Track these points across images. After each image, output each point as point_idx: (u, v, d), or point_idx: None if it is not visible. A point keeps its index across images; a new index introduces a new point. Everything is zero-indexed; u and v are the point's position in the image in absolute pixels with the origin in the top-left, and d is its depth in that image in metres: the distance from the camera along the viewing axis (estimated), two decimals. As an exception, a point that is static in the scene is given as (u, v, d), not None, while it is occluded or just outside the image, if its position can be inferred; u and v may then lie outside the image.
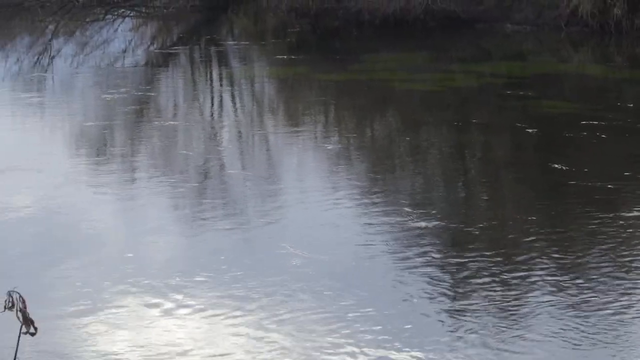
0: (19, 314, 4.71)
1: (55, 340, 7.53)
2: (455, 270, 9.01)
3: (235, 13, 38.00)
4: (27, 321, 4.74)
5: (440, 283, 8.67)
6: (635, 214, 10.71)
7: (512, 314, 7.95)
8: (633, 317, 7.85)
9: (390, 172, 13.34)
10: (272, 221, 10.69)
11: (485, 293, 8.42)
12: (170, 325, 7.86)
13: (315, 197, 11.63)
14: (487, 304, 8.18)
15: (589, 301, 8.18)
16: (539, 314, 7.91)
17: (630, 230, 10.14)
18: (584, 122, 15.68)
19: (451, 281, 8.73)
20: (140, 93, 20.22)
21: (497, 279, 8.74)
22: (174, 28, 35.82)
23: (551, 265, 9.09)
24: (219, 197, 11.86)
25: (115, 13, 38.89)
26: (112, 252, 9.75)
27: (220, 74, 24.13)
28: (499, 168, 13.56)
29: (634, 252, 9.43)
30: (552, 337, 7.49)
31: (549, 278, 8.74)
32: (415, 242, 9.84)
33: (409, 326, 7.71)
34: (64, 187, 12.31)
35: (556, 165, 12.96)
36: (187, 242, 10.13)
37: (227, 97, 20.50)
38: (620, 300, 8.19)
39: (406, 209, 11.06)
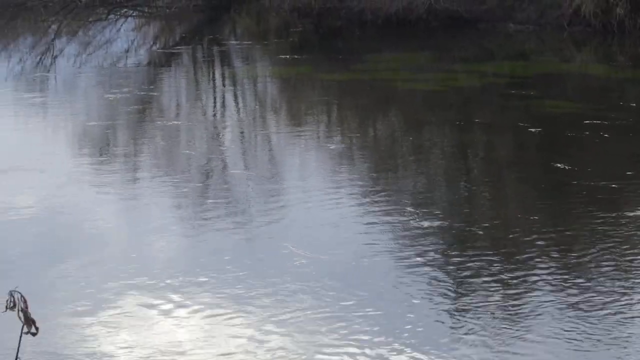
0: (21, 314, 4.71)
1: (57, 340, 7.53)
2: (457, 270, 9.01)
3: (237, 13, 38.02)
4: (29, 321, 4.74)
5: (442, 283, 8.66)
6: (638, 213, 10.70)
7: (513, 314, 7.95)
8: (635, 317, 7.84)
9: (392, 172, 13.34)
10: (274, 221, 10.69)
11: (486, 293, 8.41)
12: (171, 326, 7.87)
13: (318, 196, 11.63)
14: (488, 303, 8.17)
15: (591, 301, 8.18)
16: (540, 314, 7.91)
17: (633, 229, 10.13)
18: (586, 122, 15.67)
19: (453, 281, 8.73)
20: (142, 93, 20.24)
21: (498, 279, 8.74)
22: (176, 28, 35.84)
23: (553, 265, 9.09)
24: (221, 197, 11.86)
25: (118, 13, 38.92)
26: (114, 252, 9.75)
27: (222, 74, 24.14)
28: (502, 168, 13.56)
29: (637, 252, 9.42)
30: (554, 337, 7.49)
31: (551, 278, 8.73)
32: (417, 242, 9.83)
33: (411, 326, 7.71)
34: (67, 187, 12.32)
35: (559, 165, 12.95)
36: (189, 242, 10.13)
37: (229, 97, 20.50)
38: (623, 300, 8.18)
39: (408, 208, 11.06)
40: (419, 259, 9.29)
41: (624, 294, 8.34)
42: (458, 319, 7.85)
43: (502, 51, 26.28)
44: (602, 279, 8.71)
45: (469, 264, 9.13)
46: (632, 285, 8.56)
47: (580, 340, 7.42)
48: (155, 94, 20.42)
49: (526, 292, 8.41)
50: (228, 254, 9.56)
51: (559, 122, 16.02)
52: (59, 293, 8.54)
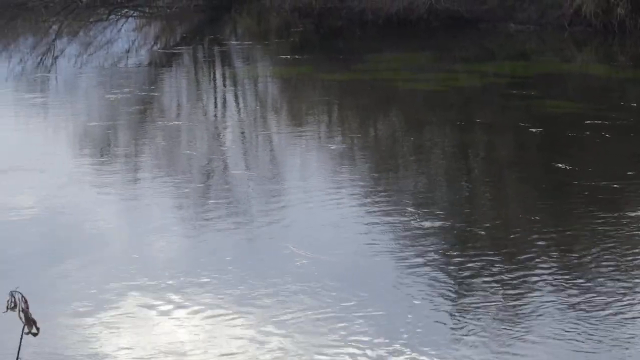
0: (21, 314, 4.70)
1: (58, 341, 7.53)
2: (457, 270, 9.00)
3: (238, 13, 38.02)
4: (30, 321, 4.74)
5: (443, 283, 8.66)
6: (639, 213, 10.69)
7: (514, 315, 7.95)
8: (636, 318, 7.84)
9: (393, 172, 13.33)
10: (275, 221, 10.69)
11: (487, 293, 8.41)
12: (172, 326, 7.86)
13: (319, 197, 11.63)
14: (489, 304, 8.17)
15: (592, 301, 8.17)
16: (541, 315, 7.91)
17: (634, 229, 10.13)
18: (587, 122, 15.67)
19: (454, 281, 8.73)
20: (143, 93, 20.24)
21: (499, 279, 8.73)
22: (177, 28, 35.84)
23: (554, 265, 9.08)
24: (222, 197, 11.86)
25: (119, 13, 38.93)
26: (115, 252, 9.75)
27: (223, 74, 24.14)
28: (503, 168, 13.55)
29: (638, 252, 9.41)
30: (555, 338, 7.48)
31: (552, 278, 8.73)
32: (418, 242, 9.83)
33: (411, 327, 7.71)
34: (67, 187, 12.32)
35: (560, 165, 12.95)
36: (190, 242, 10.12)
37: (230, 97, 20.50)
38: (624, 301, 8.18)
39: (409, 208, 11.05)
40: (419, 259, 9.29)
41: (625, 294, 8.33)
42: (459, 320, 7.85)
43: (502, 51, 26.28)
44: (603, 279, 8.71)
45: (469, 264, 9.13)
46: (633, 286, 8.55)
47: (582, 341, 7.42)
48: (156, 94, 20.42)
49: (527, 293, 8.41)
50: (229, 254, 9.56)
51: (560, 122, 16.02)
52: (59, 293, 8.54)
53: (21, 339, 4.75)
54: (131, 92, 20.24)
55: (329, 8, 32.82)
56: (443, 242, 9.90)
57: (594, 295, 8.31)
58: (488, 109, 18.08)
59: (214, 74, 24.31)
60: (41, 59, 27.08)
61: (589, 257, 9.29)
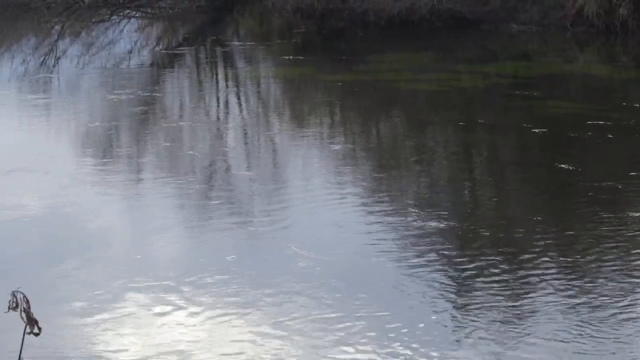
0: (23, 314, 4.71)
1: (59, 340, 7.53)
2: (460, 270, 9.00)
3: (240, 14, 38.03)
4: (31, 321, 4.74)
5: (446, 283, 8.66)
6: (641, 214, 10.70)
7: (517, 315, 7.94)
8: (639, 318, 7.83)
9: (395, 173, 13.33)
10: (277, 221, 10.68)
11: (490, 293, 8.40)
12: (174, 326, 7.86)
13: (321, 197, 11.62)
14: (492, 304, 8.16)
15: (595, 301, 8.16)
16: (544, 315, 7.90)
17: (637, 230, 10.12)
18: (589, 122, 15.66)
19: (456, 282, 8.72)
20: (146, 94, 20.24)
21: (502, 279, 8.73)
22: (179, 29, 35.85)
23: (557, 266, 9.08)
24: (224, 198, 11.86)
25: (121, 14, 38.95)
26: (117, 252, 9.76)
27: (225, 75, 24.14)
28: (505, 168, 13.55)
29: (640, 253, 9.42)
30: (558, 338, 7.48)
31: (555, 278, 8.72)
32: (420, 243, 9.83)
33: (414, 327, 7.70)
34: (70, 187, 12.32)
35: (562, 166, 12.94)
36: (192, 243, 10.13)
37: (232, 98, 20.50)
38: (627, 301, 8.17)
39: (412, 209, 11.05)
40: (422, 259, 9.29)
41: (628, 294, 8.33)
42: (461, 320, 7.84)
43: (505, 52, 26.28)
44: (605, 279, 8.70)
45: (472, 265, 9.12)
46: (635, 286, 8.54)
47: (584, 342, 7.41)
48: (158, 95, 20.42)
49: (529, 293, 8.40)
50: (231, 254, 9.55)
51: (562, 123, 16.01)
52: (61, 293, 8.54)
53: (23, 339, 4.75)
54: (133, 92, 20.25)
55: (331, 9, 32.82)
56: (445, 242, 9.90)
57: (596, 295, 8.30)
58: (490, 109, 18.08)
59: (216, 74, 24.32)
60: (43, 59, 27.10)
61: (591, 258, 9.28)
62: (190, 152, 14.51)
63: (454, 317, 7.90)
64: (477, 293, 8.43)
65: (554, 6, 28.61)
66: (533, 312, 7.97)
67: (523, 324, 7.74)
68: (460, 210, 11.19)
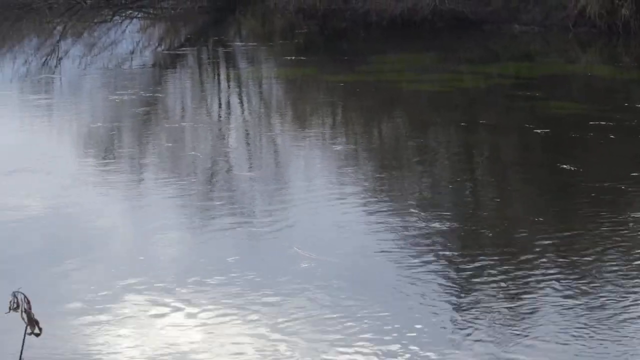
0: (24, 315, 4.70)
1: (59, 341, 7.53)
2: (462, 271, 8.99)
3: (242, 14, 38.03)
4: (32, 322, 4.74)
5: (448, 284, 8.65)
6: (643, 214, 10.69)
7: (518, 315, 7.93)
8: (641, 318, 7.84)
9: (397, 173, 13.32)
10: (279, 222, 10.68)
11: (492, 294, 8.40)
12: (176, 327, 7.86)
13: (323, 198, 11.62)
14: (494, 304, 8.16)
15: (596, 302, 8.16)
16: (545, 315, 7.89)
17: (638, 230, 10.11)
18: (592, 123, 15.65)
19: (458, 282, 8.72)
20: (148, 94, 20.24)
21: (504, 280, 8.72)
22: (181, 29, 35.85)
23: (559, 266, 9.07)
24: (226, 199, 11.85)
25: (123, 14, 38.95)
26: (118, 253, 9.76)
27: (227, 75, 24.14)
28: (507, 169, 13.54)
29: (642, 253, 9.41)
30: (561, 338, 7.47)
31: (557, 279, 8.72)
32: (422, 243, 9.82)
33: (416, 327, 7.70)
34: (72, 188, 12.32)
35: (564, 166, 12.93)
36: (194, 243, 10.12)
37: (234, 99, 20.50)
38: (628, 301, 8.16)
39: (413, 209, 11.05)
40: (423, 260, 9.28)
41: (629, 294, 8.32)
42: (462, 321, 7.83)
43: (507, 52, 26.27)
44: (607, 279, 8.70)
45: (474, 265, 9.12)
46: (636, 286, 8.53)
47: (585, 343, 7.40)
48: (160, 95, 20.42)
49: (530, 294, 8.40)
50: (233, 255, 9.55)
51: (565, 123, 16.00)
52: (62, 293, 8.54)
53: (24, 339, 4.75)
54: (135, 93, 20.24)
55: (333, 9, 32.82)
56: (447, 243, 9.89)
57: (599, 295, 8.30)
58: (492, 110, 18.07)
59: (218, 75, 24.31)
60: (45, 60, 27.10)
61: (593, 258, 9.28)
62: (192, 152, 14.51)
63: (454, 318, 7.90)
64: (477, 294, 8.42)
65: (556, 7, 28.60)
66: (534, 313, 7.96)
67: (524, 325, 7.73)
68: (461, 210, 11.19)
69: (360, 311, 8.01)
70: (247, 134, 16.39)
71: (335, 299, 8.28)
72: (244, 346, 7.43)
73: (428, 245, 9.76)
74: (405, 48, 27.33)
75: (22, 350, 4.88)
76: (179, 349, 7.42)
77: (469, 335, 7.55)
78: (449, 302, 8.23)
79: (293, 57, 26.15)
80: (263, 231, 10.38)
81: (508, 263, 9.17)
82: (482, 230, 10.28)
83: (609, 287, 8.50)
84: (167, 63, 26.37)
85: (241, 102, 19.88)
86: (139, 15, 39.34)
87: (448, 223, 10.46)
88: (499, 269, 9.01)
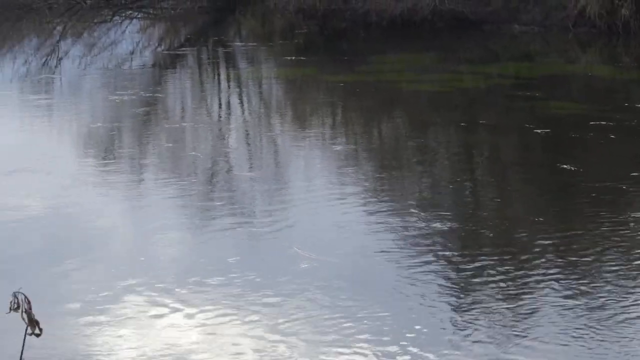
0: (24, 315, 4.70)
1: (59, 341, 7.53)
2: (462, 271, 8.99)
3: (242, 14, 38.02)
4: (33, 322, 4.73)
5: (448, 284, 8.65)
6: (643, 214, 10.69)
7: (519, 315, 7.93)
8: (641, 319, 7.84)
9: (398, 173, 13.32)
10: (279, 222, 10.68)
11: (492, 294, 8.40)
12: (175, 326, 7.86)
13: (323, 198, 11.62)
14: (494, 304, 8.16)
15: (597, 302, 8.16)
16: (546, 315, 7.89)
17: (639, 230, 10.11)
18: (592, 123, 15.65)
19: (458, 283, 8.72)
20: (148, 94, 20.24)
21: (504, 280, 8.72)
22: (181, 29, 35.85)
23: (559, 266, 9.07)
24: (226, 199, 11.85)
25: (123, 14, 38.95)
26: (119, 254, 9.76)
27: (227, 75, 24.14)
28: (507, 169, 13.54)
29: (642, 253, 9.41)
30: (561, 338, 7.47)
31: (557, 279, 8.72)
32: (422, 243, 9.82)
33: (416, 327, 7.70)
34: (72, 188, 12.32)
35: (564, 166, 12.94)
36: (194, 243, 10.12)
37: (234, 99, 20.50)
38: (629, 301, 8.16)
39: (413, 210, 11.05)
40: (424, 260, 9.28)
41: (630, 294, 8.32)
42: (462, 321, 7.83)
43: (507, 52, 26.27)
44: (608, 279, 8.70)
45: (474, 265, 9.12)
46: (637, 286, 8.53)
47: (585, 344, 7.40)
48: (160, 95, 20.42)
49: (531, 294, 8.40)
50: (233, 255, 9.55)
51: (565, 124, 16.00)
52: (62, 293, 8.54)
53: (24, 340, 4.74)
54: (135, 93, 20.24)
55: (333, 10, 32.82)
56: (447, 243, 9.89)
57: (599, 295, 8.30)
58: (492, 110, 18.07)
59: (218, 75, 24.32)
60: (45, 60, 27.10)
61: (593, 258, 9.28)
62: (192, 152, 14.51)
63: (454, 318, 7.90)
64: (477, 294, 8.42)
65: (556, 7, 28.60)
66: (534, 313, 7.96)
67: (524, 326, 7.73)
68: (461, 210, 11.19)
69: (360, 311, 8.01)
70: (247, 134, 16.39)
71: (335, 300, 8.28)
72: (244, 346, 7.44)
73: (428, 245, 9.76)
74: (405, 48, 27.33)
75: (22, 350, 4.88)
76: (179, 349, 7.42)
77: (468, 335, 7.55)
78: (448, 302, 8.24)
79: (293, 57, 26.15)
80: (263, 231, 10.38)
81: (508, 263, 9.17)
82: (482, 231, 10.28)
83: (609, 288, 8.50)
84: (167, 63, 26.37)
85: (241, 103, 19.88)
86: (139, 16, 39.34)
87: (448, 223, 10.46)
88: (499, 269, 9.01)
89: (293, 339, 7.53)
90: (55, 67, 25.62)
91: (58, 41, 31.85)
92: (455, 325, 7.75)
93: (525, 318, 7.88)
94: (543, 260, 9.23)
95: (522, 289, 8.52)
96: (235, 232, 10.39)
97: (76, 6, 39.01)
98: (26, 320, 4.69)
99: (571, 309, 8.02)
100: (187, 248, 9.98)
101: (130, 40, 32.22)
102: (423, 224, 10.42)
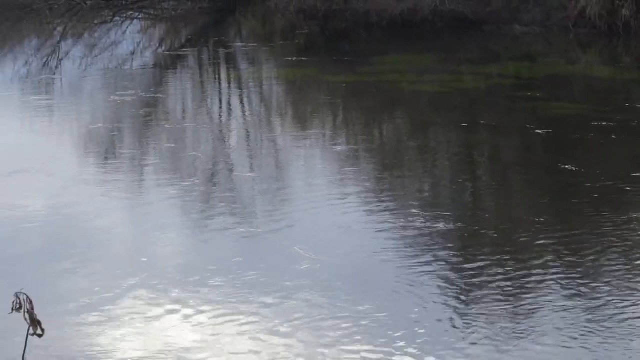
0: (27, 316, 4.70)
1: (59, 340, 7.53)
2: (463, 271, 8.99)
3: (243, 15, 38.03)
4: (35, 323, 4.74)
5: (448, 284, 8.65)
6: (644, 215, 10.69)
7: (520, 315, 7.93)
8: (642, 319, 7.84)
9: (399, 174, 13.32)
10: (280, 222, 10.68)
11: (493, 294, 8.40)
12: (176, 326, 7.86)
13: (324, 198, 11.62)
14: (495, 305, 8.15)
15: (598, 302, 8.16)
16: (547, 315, 7.89)
17: None
18: (593, 123, 15.65)
19: (459, 283, 8.71)
20: (148, 95, 20.24)
21: (505, 280, 8.72)
22: (182, 30, 35.84)
23: (560, 266, 9.07)
24: (227, 199, 11.85)
25: (124, 15, 38.95)
26: (119, 253, 9.75)
27: (228, 76, 24.14)
28: (508, 169, 13.54)
29: (643, 253, 9.41)
30: (562, 338, 7.47)
31: (558, 279, 8.71)
32: (424, 244, 9.82)
33: (417, 327, 7.70)
34: (73, 188, 12.32)
35: (565, 167, 12.93)
36: (195, 244, 10.12)
37: (235, 99, 20.50)
38: (630, 301, 8.16)
39: (414, 210, 11.05)
40: (424, 260, 9.28)
41: (631, 295, 8.32)
42: (463, 322, 7.83)
43: (507, 53, 26.26)
44: (609, 279, 8.69)
45: (475, 265, 9.12)
46: (638, 286, 8.53)
47: (586, 344, 7.40)
48: (161, 96, 20.42)
49: (533, 293, 8.39)
50: (234, 255, 9.55)
51: (565, 124, 16.00)
52: (62, 293, 8.54)
53: (26, 340, 4.75)
54: (136, 94, 20.24)
55: (334, 10, 32.82)
56: (448, 243, 9.89)
57: (600, 295, 8.30)
58: (493, 110, 18.06)
59: (219, 76, 24.31)
60: (46, 61, 27.10)
61: (594, 258, 9.27)
62: (193, 153, 14.51)
63: (454, 319, 7.89)
64: (478, 294, 8.42)
65: (556, 7, 28.60)
66: (534, 313, 7.96)
67: (524, 326, 7.73)
68: (462, 211, 11.19)
69: (360, 312, 8.01)
70: (248, 135, 16.39)
71: (335, 300, 8.28)
72: (244, 346, 7.43)
73: (428, 245, 9.76)
74: (405, 49, 27.32)
75: (24, 350, 4.88)
76: (178, 348, 7.42)
77: (468, 336, 7.55)
78: (448, 302, 8.23)
79: (294, 58, 26.15)
80: (263, 231, 10.38)
81: (508, 263, 9.17)
82: (483, 231, 10.27)
83: (610, 288, 8.50)
84: (167, 64, 26.37)
85: (242, 103, 19.88)
86: (140, 16, 39.34)
87: (448, 223, 10.46)
88: (499, 269, 9.01)
89: (293, 339, 7.53)
90: (56, 67, 25.62)
91: (59, 42, 31.86)
92: (455, 326, 7.75)
93: (525, 318, 7.88)
94: (543, 260, 9.23)
95: (522, 289, 8.52)
96: (235, 232, 10.39)
97: (77, 7, 39.01)
98: (28, 321, 4.70)
99: (572, 309, 8.02)
100: (187, 248, 9.98)
101: (130, 41, 32.22)
102: (423, 224, 10.42)
